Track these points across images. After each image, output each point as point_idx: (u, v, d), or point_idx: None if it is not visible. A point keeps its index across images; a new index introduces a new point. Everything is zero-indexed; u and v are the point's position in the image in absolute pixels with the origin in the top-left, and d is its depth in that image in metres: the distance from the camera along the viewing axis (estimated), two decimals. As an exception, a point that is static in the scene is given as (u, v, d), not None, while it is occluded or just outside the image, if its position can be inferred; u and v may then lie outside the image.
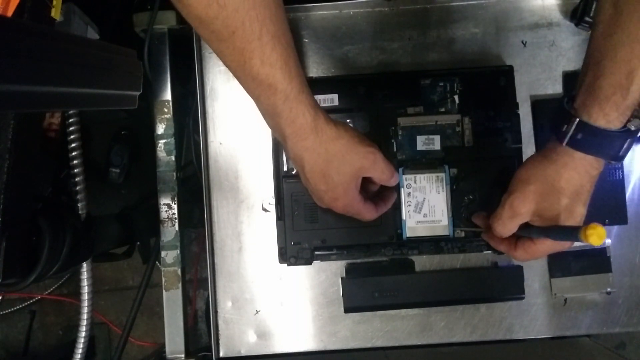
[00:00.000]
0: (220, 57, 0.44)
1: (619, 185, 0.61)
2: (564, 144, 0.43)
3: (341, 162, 0.48)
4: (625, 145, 0.41)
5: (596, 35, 0.41)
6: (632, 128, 0.40)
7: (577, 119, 0.41)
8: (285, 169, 0.60)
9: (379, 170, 0.50)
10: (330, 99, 0.59)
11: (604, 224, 0.61)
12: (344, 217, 0.54)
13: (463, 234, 0.59)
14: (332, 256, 0.60)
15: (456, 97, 0.60)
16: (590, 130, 0.41)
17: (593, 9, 0.42)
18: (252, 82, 0.44)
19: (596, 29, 0.41)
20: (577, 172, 0.44)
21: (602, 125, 0.40)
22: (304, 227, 0.59)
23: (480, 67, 0.62)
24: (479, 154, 0.59)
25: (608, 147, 0.41)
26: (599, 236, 0.38)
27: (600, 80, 0.40)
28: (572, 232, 0.42)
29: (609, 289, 0.62)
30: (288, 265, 0.59)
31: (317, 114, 0.46)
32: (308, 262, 0.59)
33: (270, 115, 0.47)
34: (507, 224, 0.49)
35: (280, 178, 0.59)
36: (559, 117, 0.43)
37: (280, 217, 0.60)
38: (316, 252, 0.59)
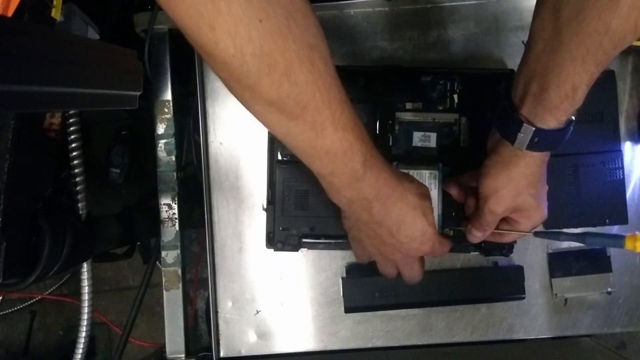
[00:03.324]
0: (287, 139, 0.42)
1: (619, 185, 0.61)
2: (524, 149, 0.47)
3: (427, 205, 0.50)
4: (570, 132, 0.46)
5: (538, 50, 0.44)
6: (573, 117, 0.46)
7: (534, 128, 0.45)
8: (279, 157, 0.59)
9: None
10: None
11: (604, 224, 0.61)
12: (333, 206, 0.54)
13: (452, 233, 0.58)
14: (319, 245, 0.59)
15: (455, 97, 0.60)
16: (546, 133, 0.45)
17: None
18: (325, 156, 0.42)
19: (537, 44, 0.44)
20: (537, 166, 0.49)
21: (554, 127, 0.45)
22: (294, 213, 0.59)
23: (481, 68, 0.62)
24: (474, 154, 0.59)
25: (560, 141, 0.46)
26: None
27: (547, 92, 0.43)
28: (617, 241, 0.48)
29: (609, 289, 0.62)
30: (275, 250, 0.59)
31: (392, 168, 0.47)
32: (295, 248, 0.59)
33: (347, 185, 0.45)
34: (489, 225, 0.53)
35: (274, 163, 0.59)
36: (510, 126, 0.47)
37: (271, 201, 0.60)
38: (303, 240, 0.59)
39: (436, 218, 0.58)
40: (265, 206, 0.62)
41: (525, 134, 0.45)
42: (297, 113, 0.40)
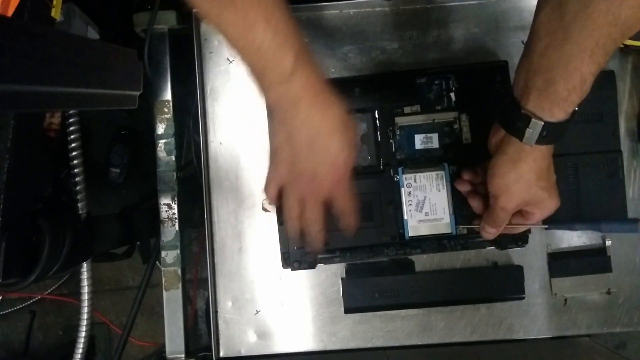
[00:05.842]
0: (221, 29, 0.44)
1: (619, 185, 0.61)
2: (534, 144, 0.47)
3: (350, 126, 0.49)
4: (572, 121, 0.47)
5: (543, 46, 0.45)
6: (577, 108, 0.46)
7: (542, 122, 0.46)
8: None
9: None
10: None
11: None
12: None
13: (465, 231, 0.59)
14: (335, 259, 0.59)
15: (452, 95, 0.60)
16: (554, 126, 0.46)
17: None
18: (257, 52, 0.44)
19: (541, 40, 0.45)
20: (544, 159, 0.49)
21: (562, 119, 0.46)
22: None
23: (475, 63, 0.62)
24: (478, 150, 0.59)
25: (565, 131, 0.47)
26: None
27: (554, 86, 0.44)
28: (632, 226, 0.47)
29: (609, 289, 0.62)
30: (292, 270, 0.59)
31: (324, 82, 0.47)
32: (312, 266, 0.59)
33: (277, 83, 0.46)
34: (502, 221, 0.54)
35: None
36: (517, 122, 0.47)
37: (281, 222, 0.59)
38: (319, 256, 0.59)
39: (449, 217, 0.58)
40: (264, 207, 0.62)
41: (534, 129, 0.46)
42: (227, 2, 0.41)
